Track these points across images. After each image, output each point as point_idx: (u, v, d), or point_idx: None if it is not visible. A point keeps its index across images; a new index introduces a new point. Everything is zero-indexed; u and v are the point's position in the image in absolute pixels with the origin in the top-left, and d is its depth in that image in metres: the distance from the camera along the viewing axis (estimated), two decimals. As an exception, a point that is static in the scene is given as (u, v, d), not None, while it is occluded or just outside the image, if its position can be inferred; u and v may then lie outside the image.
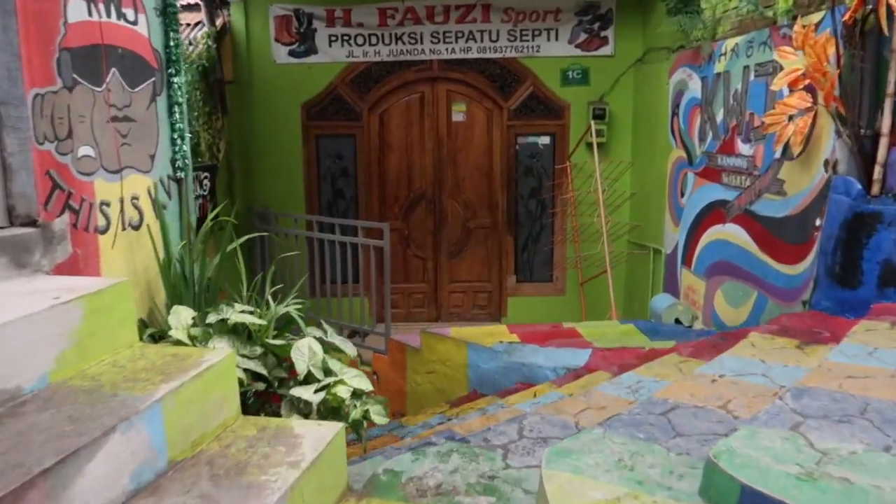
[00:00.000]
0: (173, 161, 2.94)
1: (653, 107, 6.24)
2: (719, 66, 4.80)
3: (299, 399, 2.27)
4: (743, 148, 4.46)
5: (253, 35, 6.84)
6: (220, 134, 6.31)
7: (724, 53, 4.72)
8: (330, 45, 6.91)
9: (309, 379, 2.37)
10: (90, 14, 2.41)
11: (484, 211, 7.37)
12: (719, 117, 4.80)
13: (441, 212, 7.37)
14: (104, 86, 2.49)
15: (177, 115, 2.89)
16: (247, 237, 2.94)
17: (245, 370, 2.31)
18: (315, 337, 2.52)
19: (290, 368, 2.47)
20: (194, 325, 2.45)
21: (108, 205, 2.53)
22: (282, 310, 2.53)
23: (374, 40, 6.90)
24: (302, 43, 6.90)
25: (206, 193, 5.65)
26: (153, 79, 2.81)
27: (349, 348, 2.61)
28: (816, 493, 1.49)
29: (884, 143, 3.19)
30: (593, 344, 4.57)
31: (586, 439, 2.05)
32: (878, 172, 3.24)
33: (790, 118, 3.62)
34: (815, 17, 3.60)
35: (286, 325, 2.72)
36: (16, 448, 1.48)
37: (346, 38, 6.88)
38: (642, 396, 2.93)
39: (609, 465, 1.87)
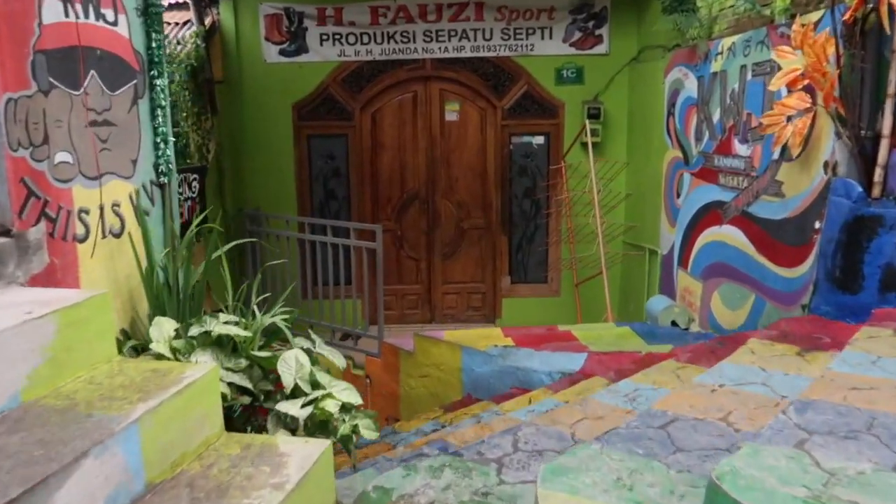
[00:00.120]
0: (156, 166, 2.85)
1: (648, 106, 6.17)
2: (716, 66, 4.73)
3: (286, 414, 2.18)
4: (740, 148, 4.39)
5: (243, 34, 6.74)
6: (209, 134, 6.21)
7: (721, 52, 4.66)
8: (321, 44, 6.81)
9: (296, 392, 2.29)
10: (66, 14, 2.32)
11: (478, 211, 7.30)
12: (716, 117, 4.73)
13: (434, 212, 7.29)
14: (82, 89, 2.40)
15: (160, 119, 2.80)
16: (233, 244, 2.85)
17: (229, 384, 2.23)
18: (303, 348, 2.44)
19: (277, 381, 2.39)
20: (177, 336, 2.36)
21: (87, 212, 2.44)
22: (268, 320, 2.45)
23: (365, 39, 6.81)
24: (292, 42, 6.80)
25: (195, 195, 5.55)
26: (134, 81, 2.72)
27: (338, 359, 2.53)
28: (825, 519, 1.42)
29: (885, 144, 3.13)
30: (589, 348, 4.51)
31: (583, 455, 1.98)
32: (878, 175, 3.17)
33: (789, 119, 3.55)
34: (814, 16, 3.54)
35: (273, 335, 2.64)
36: (-20, 477, 1.40)
37: (337, 36, 6.79)
38: (640, 405, 2.87)
39: (607, 485, 1.80)
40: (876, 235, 3.08)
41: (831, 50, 3.28)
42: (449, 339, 4.88)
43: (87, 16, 2.40)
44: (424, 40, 6.82)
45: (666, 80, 5.68)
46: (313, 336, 2.57)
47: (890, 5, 2.95)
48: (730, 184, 4.55)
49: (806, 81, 3.43)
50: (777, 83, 3.59)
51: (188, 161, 5.85)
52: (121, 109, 2.63)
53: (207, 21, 6.29)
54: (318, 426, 2.24)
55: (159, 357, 2.22)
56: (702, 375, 2.75)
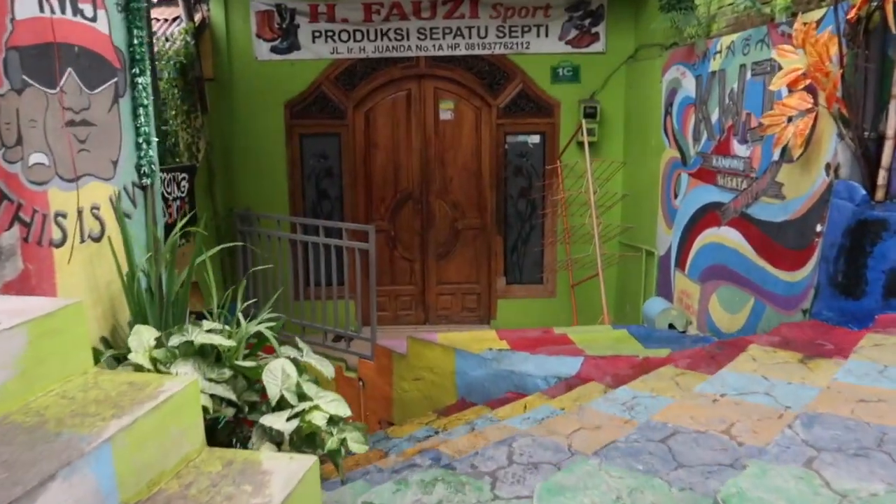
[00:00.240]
0: (139, 167, 2.75)
1: (645, 105, 6.09)
2: (714, 65, 4.65)
3: (271, 427, 2.09)
4: (739, 149, 4.32)
5: (233, 31, 6.62)
6: (199, 133, 6.10)
7: (720, 51, 4.58)
8: (313, 42, 6.70)
9: (282, 404, 2.20)
10: (42, 10, 2.22)
11: (472, 211, 7.20)
12: (714, 117, 4.65)
13: (429, 212, 7.20)
14: (58, 87, 2.29)
15: (142, 118, 2.70)
16: (216, 249, 2.75)
17: (212, 395, 2.14)
18: (290, 357, 2.34)
19: (263, 391, 2.30)
20: (158, 345, 2.27)
21: (63, 216, 2.34)
22: (253, 328, 2.35)
23: (358, 36, 6.70)
24: (284, 39, 6.68)
25: (184, 195, 5.45)
26: (115, 79, 2.61)
27: (327, 368, 2.43)
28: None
29: (889, 146, 3.05)
30: (585, 351, 4.44)
31: (581, 472, 1.89)
32: (882, 177, 3.10)
33: (789, 119, 3.47)
34: (816, 14, 3.46)
35: (260, 343, 2.55)
36: (-65, 506, 1.30)
37: (330, 34, 6.68)
38: (638, 414, 2.78)
39: (606, 505, 1.71)
40: (880, 240, 3.00)
41: (834, 49, 3.20)
42: (443, 341, 4.80)
43: (63, 11, 2.30)
44: (418, 38, 6.72)
45: (663, 79, 5.60)
46: (301, 344, 2.48)
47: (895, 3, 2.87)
48: (728, 185, 4.47)
49: (807, 81, 3.36)
50: (778, 83, 3.51)
51: (177, 160, 5.74)
52: (100, 108, 2.53)
53: (197, 17, 6.17)
54: (305, 440, 2.15)
55: (138, 368, 2.12)
56: (702, 384, 2.67)
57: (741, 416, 2.29)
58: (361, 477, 2.80)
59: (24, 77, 2.15)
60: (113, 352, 2.35)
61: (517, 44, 6.76)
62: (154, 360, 2.15)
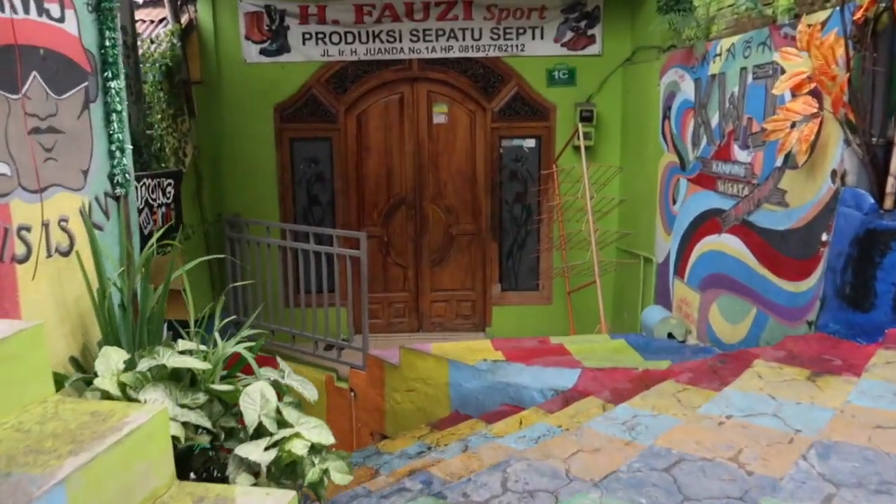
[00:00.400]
0: (111, 176, 2.60)
1: (643, 109, 5.97)
2: (714, 68, 4.53)
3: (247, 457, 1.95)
4: (740, 154, 4.19)
5: (221, 32, 6.46)
6: (186, 137, 5.95)
7: (720, 54, 4.45)
8: (304, 44, 6.56)
9: (260, 431, 2.05)
10: (2, 10, 2.07)
11: (467, 217, 7.07)
12: (714, 121, 4.53)
13: (422, 218, 7.06)
14: (21, 93, 2.15)
15: (115, 125, 2.55)
16: (194, 262, 2.60)
17: (184, 423, 1.99)
18: (269, 380, 2.20)
19: (240, 416, 2.15)
20: (129, 367, 2.12)
21: (27, 229, 2.19)
22: (231, 349, 2.21)
23: (350, 38, 6.56)
24: (274, 41, 6.53)
25: (169, 202, 5.29)
26: (85, 84, 2.47)
27: (310, 391, 2.29)
28: None
29: (898, 153, 2.93)
30: (582, 363, 4.30)
31: (580, 508, 1.76)
32: (891, 185, 2.98)
33: (793, 125, 3.35)
34: (821, 16, 3.33)
35: (241, 361, 2.40)
36: None
37: (320, 35, 6.54)
38: (639, 435, 2.65)
39: (608, 548, 1.58)
40: (890, 250, 2.88)
41: (840, 52, 3.08)
42: (436, 352, 4.67)
43: (26, 11, 2.16)
44: (411, 40, 6.59)
45: (661, 82, 5.47)
46: (282, 365, 2.34)
47: (906, 4, 2.75)
48: (729, 191, 4.35)
49: (812, 85, 3.23)
50: (781, 87, 3.39)
51: (163, 165, 5.60)
52: (69, 115, 2.38)
53: (184, 19, 6.02)
54: (285, 470, 2.00)
55: (105, 395, 1.98)
56: (707, 404, 2.54)
57: (749, 441, 2.16)
58: (348, 501, 2.66)
59: (-17, 82, 2.01)
60: (80, 375, 2.20)
61: (512, 46, 6.63)
62: (122, 386, 2.01)
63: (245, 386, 2.18)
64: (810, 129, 3.25)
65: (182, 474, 2.07)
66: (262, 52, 6.54)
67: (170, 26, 5.88)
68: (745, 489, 1.87)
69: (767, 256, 3.90)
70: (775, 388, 2.61)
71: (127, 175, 2.63)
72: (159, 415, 1.75)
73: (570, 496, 1.96)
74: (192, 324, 2.39)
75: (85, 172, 2.47)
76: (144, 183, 4.84)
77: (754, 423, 2.31)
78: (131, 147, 2.65)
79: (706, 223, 4.68)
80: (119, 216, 2.63)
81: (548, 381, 4.08)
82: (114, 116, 2.55)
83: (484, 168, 6.95)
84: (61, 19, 2.32)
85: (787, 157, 3.59)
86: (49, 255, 2.29)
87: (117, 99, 2.56)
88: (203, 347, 2.25)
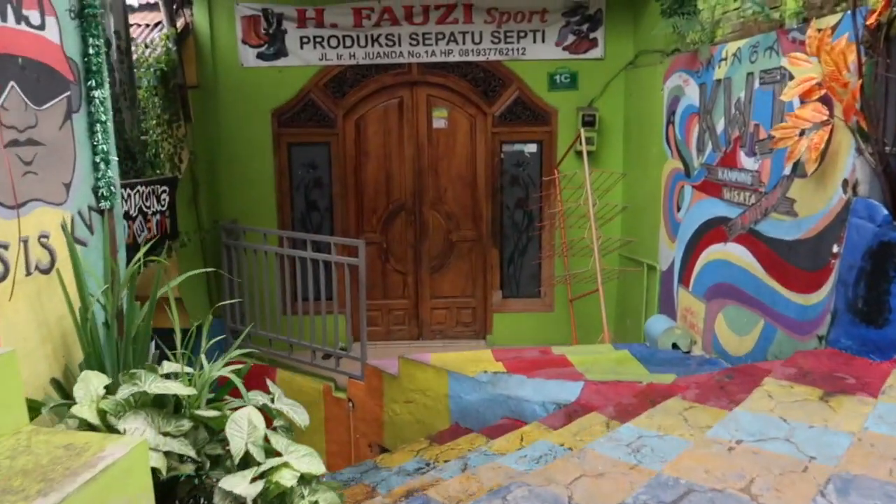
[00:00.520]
0: (96, 189, 2.51)
1: (646, 114, 5.86)
2: (719, 72, 4.42)
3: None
4: (747, 162, 4.09)
5: (218, 36, 6.37)
6: (182, 143, 5.86)
7: (725, 58, 4.35)
8: (301, 48, 6.46)
9: (247, 460, 1.95)
10: (-23, 17, 1.98)
11: (467, 223, 6.97)
12: (720, 127, 4.42)
13: (422, 224, 6.96)
14: (-2, 104, 2.05)
15: (100, 135, 2.45)
16: (181, 278, 2.50)
17: (167, 453, 1.89)
18: (258, 405, 2.10)
19: (227, 442, 2.05)
20: (110, 391, 2.02)
21: (4, 247, 2.09)
22: (217, 372, 2.11)
23: (348, 42, 6.47)
24: (271, 45, 6.44)
25: (164, 209, 5.20)
26: (67, 93, 2.37)
27: (300, 416, 2.19)
28: None
29: (913, 163, 2.83)
30: (585, 375, 4.20)
31: (584, 547, 1.65)
32: (906, 196, 2.87)
33: (802, 132, 3.24)
34: (831, 20, 3.23)
35: (228, 385, 2.30)
36: None
37: (318, 39, 6.44)
38: (645, 458, 2.54)
39: None
40: (905, 264, 2.77)
41: (852, 57, 2.97)
42: (436, 363, 4.57)
43: (3, 19, 2.06)
44: (410, 44, 6.49)
45: (665, 86, 5.37)
46: (273, 388, 2.23)
47: (921, 9, 2.65)
48: (735, 199, 4.24)
49: (822, 92, 3.12)
50: (790, 93, 3.28)
51: (158, 171, 5.51)
52: (50, 126, 2.29)
53: (180, 23, 5.94)
54: (272, 503, 1.90)
55: (83, 423, 1.88)
56: (716, 427, 2.43)
57: (761, 470, 2.06)
58: (342, 527, 2.56)
59: (-44, 93, 1.91)
60: (59, 401, 2.10)
61: (513, 50, 6.53)
62: (102, 413, 1.91)
63: (233, 410, 2.08)
64: (820, 136, 3.15)
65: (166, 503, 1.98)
66: (260, 56, 6.45)
67: (165, 30, 5.79)
68: (758, 525, 1.76)
69: (775, 267, 3.79)
70: (786, 409, 2.50)
71: (112, 188, 2.53)
72: (138, 447, 1.65)
73: (573, 530, 1.85)
74: (178, 344, 2.29)
75: (67, 186, 2.37)
76: (138, 190, 4.75)
77: (765, 449, 2.20)
78: (117, 158, 2.55)
79: (711, 231, 4.57)
80: (104, 230, 2.54)
81: (550, 395, 3.98)
82: (98, 127, 2.46)
83: (484, 173, 6.85)
84: (41, 27, 2.23)
85: (796, 165, 3.48)
86: (28, 273, 2.20)
87: (102, 108, 2.47)
88: (189, 370, 2.15)
